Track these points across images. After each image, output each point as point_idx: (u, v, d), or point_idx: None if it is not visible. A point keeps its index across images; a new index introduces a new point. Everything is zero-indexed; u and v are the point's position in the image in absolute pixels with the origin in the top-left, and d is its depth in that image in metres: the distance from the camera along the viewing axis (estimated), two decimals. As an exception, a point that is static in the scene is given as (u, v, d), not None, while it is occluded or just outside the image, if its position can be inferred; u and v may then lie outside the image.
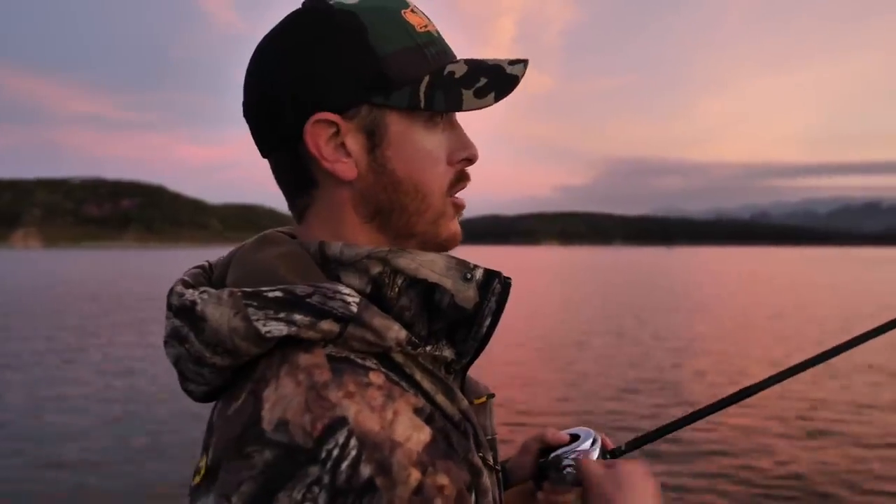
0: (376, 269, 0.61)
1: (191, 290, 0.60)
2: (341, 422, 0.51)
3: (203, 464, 0.57)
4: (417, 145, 0.64)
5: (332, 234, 0.65)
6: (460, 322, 0.63)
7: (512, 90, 0.64)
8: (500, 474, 0.73)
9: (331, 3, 0.64)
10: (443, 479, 0.52)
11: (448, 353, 0.64)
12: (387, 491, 0.49)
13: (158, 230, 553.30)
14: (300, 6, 0.66)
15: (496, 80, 0.64)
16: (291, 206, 0.68)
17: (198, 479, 0.56)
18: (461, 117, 0.70)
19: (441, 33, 0.68)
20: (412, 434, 0.53)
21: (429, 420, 0.56)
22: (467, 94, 0.63)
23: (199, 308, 0.58)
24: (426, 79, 0.63)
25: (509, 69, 0.65)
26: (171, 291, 0.62)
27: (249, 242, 0.68)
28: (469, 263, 0.64)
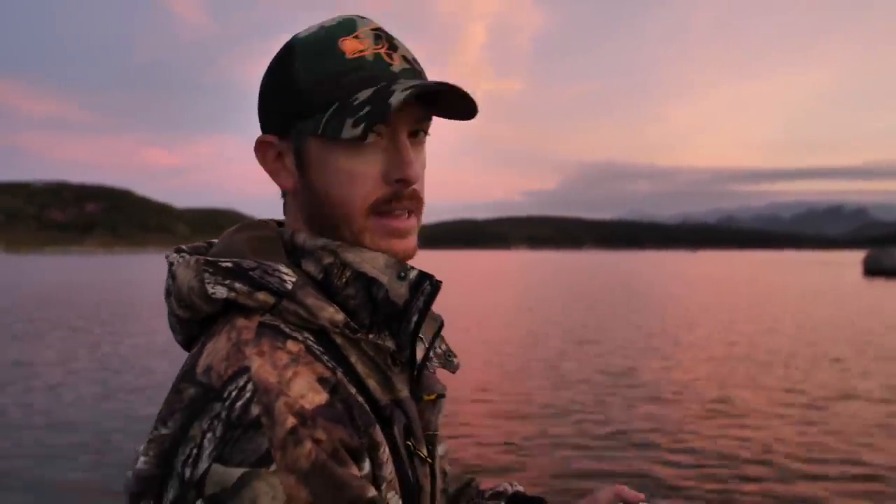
0: (327, 260, 0.70)
1: (174, 254, 0.73)
2: (245, 370, 0.60)
3: None
4: (336, 167, 0.70)
5: (299, 228, 0.76)
6: (393, 316, 0.70)
7: (386, 117, 0.66)
8: (434, 467, 0.79)
9: (293, 38, 0.74)
10: (320, 434, 0.58)
11: (390, 343, 0.71)
12: (268, 429, 0.57)
13: (124, 235, 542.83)
14: None
15: (372, 111, 0.66)
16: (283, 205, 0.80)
17: None
18: (435, 137, 0.75)
19: (398, 53, 0.71)
20: (306, 393, 0.60)
21: (332, 390, 0.62)
22: (348, 123, 0.67)
23: (173, 268, 0.71)
24: (333, 107, 0.68)
25: (394, 98, 0.66)
26: (167, 255, 0.74)
27: (237, 226, 0.77)
28: (406, 264, 0.71)
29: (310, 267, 0.71)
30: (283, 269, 0.68)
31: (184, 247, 0.76)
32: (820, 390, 8.85)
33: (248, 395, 0.59)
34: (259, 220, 0.78)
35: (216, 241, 0.77)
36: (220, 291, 0.66)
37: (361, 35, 0.71)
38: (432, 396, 0.81)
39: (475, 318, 17.80)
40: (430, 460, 0.77)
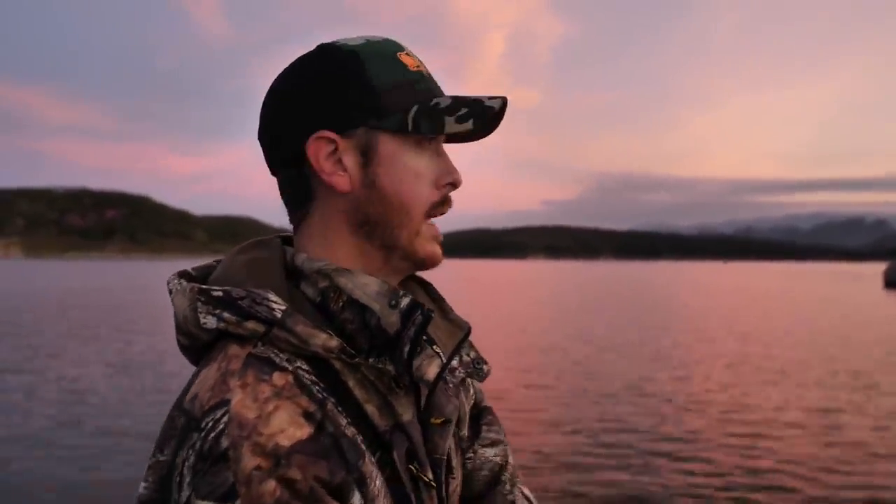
0: (323, 284, 0.71)
1: (175, 280, 0.72)
2: (224, 403, 0.60)
3: None
4: (405, 165, 0.73)
5: (323, 242, 0.74)
6: (386, 344, 0.70)
7: (489, 118, 0.73)
8: (441, 490, 0.77)
9: (338, 44, 0.74)
10: (293, 472, 0.58)
11: (391, 367, 0.70)
12: (234, 464, 0.57)
13: (143, 241, 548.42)
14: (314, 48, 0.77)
15: (475, 109, 0.72)
16: (291, 218, 0.77)
17: None
18: (451, 148, 0.80)
19: (431, 74, 0.78)
20: (286, 428, 0.60)
21: (318, 426, 0.62)
22: (449, 120, 0.71)
23: (171, 295, 0.71)
24: (415, 108, 0.72)
25: (488, 102, 0.73)
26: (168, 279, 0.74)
27: (241, 245, 0.76)
28: (399, 292, 0.71)
29: (308, 290, 0.71)
30: (272, 297, 0.67)
31: (190, 269, 0.76)
32: (837, 402, 8.69)
33: (221, 426, 0.59)
34: (264, 239, 0.77)
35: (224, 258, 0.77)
36: (211, 321, 0.67)
37: (409, 53, 0.76)
38: (439, 420, 0.79)
39: (492, 329, 17.68)
40: (434, 485, 0.75)
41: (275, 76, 0.76)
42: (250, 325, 0.66)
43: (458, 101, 0.73)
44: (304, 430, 0.60)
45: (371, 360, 0.70)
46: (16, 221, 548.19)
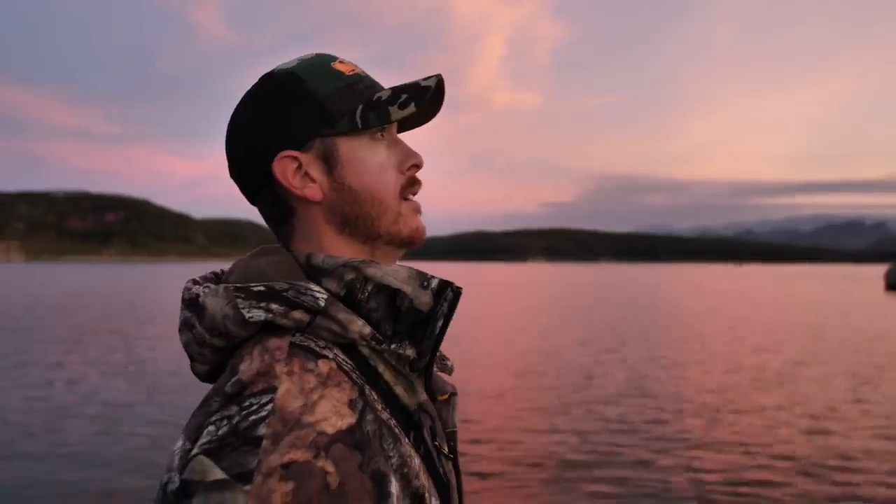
0: (350, 276, 0.73)
1: (197, 286, 0.75)
2: (272, 390, 0.62)
3: None
4: (365, 160, 0.78)
5: (315, 248, 0.79)
6: (418, 324, 0.74)
7: (427, 97, 0.78)
8: (456, 462, 0.84)
9: (276, 70, 0.81)
10: (329, 466, 0.58)
11: (410, 352, 0.74)
12: (264, 453, 0.57)
13: (142, 244, 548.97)
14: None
15: (413, 92, 0.78)
16: (279, 237, 0.82)
17: None
18: (411, 135, 0.86)
19: (368, 74, 0.83)
20: (330, 417, 0.61)
21: (361, 412, 0.64)
22: (393, 109, 0.77)
23: (201, 299, 0.72)
24: (360, 107, 0.78)
25: (423, 82, 0.79)
26: (184, 289, 0.76)
27: (250, 253, 0.80)
28: (427, 274, 0.75)
29: (331, 285, 0.74)
30: (315, 287, 0.71)
31: (197, 279, 0.78)
32: (837, 404, 8.63)
33: (264, 413, 0.60)
34: (270, 246, 0.81)
35: (226, 269, 0.80)
36: (258, 314, 0.69)
37: (342, 60, 0.82)
38: (445, 396, 0.86)
39: (492, 335, 17.58)
40: (451, 456, 0.82)
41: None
42: (297, 314, 0.69)
43: (398, 90, 0.79)
44: (345, 420, 0.62)
45: (393, 346, 0.74)
46: (16, 225, 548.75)
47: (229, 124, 0.82)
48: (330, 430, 0.60)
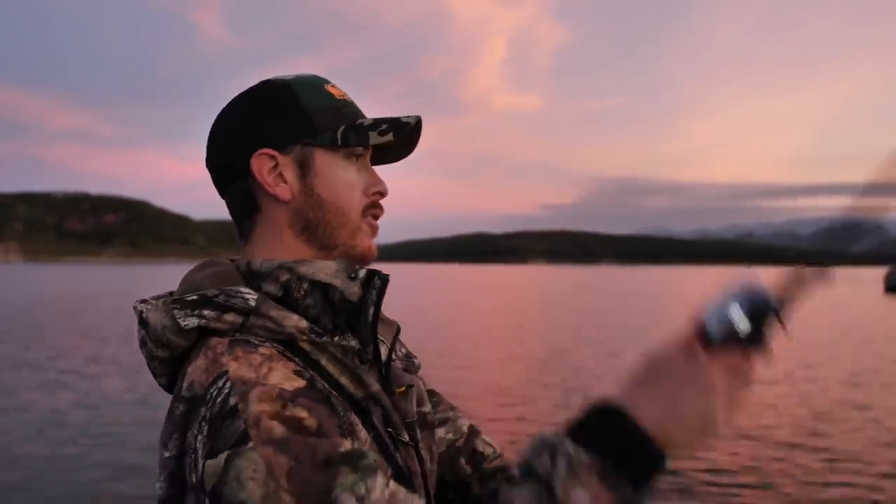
0: (285, 277, 0.79)
1: (141, 304, 0.79)
2: (223, 374, 0.67)
3: None
4: (337, 175, 0.84)
5: (268, 248, 0.84)
6: (352, 314, 0.80)
7: (406, 131, 0.86)
8: (418, 450, 0.86)
9: (275, 79, 0.87)
10: (301, 412, 0.64)
11: (354, 342, 0.79)
12: (243, 412, 0.63)
13: (142, 246, 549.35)
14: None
15: (393, 124, 0.85)
16: (240, 231, 0.87)
17: None
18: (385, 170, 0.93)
19: (354, 102, 0.90)
20: (284, 381, 0.67)
21: (310, 380, 0.70)
22: (372, 134, 0.84)
23: (143, 315, 0.77)
24: (342, 126, 0.84)
25: (404, 119, 0.86)
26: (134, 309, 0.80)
27: (195, 266, 0.85)
28: (354, 266, 0.82)
29: (269, 287, 0.78)
30: (244, 290, 0.76)
31: (147, 298, 0.81)
32: (836, 405, 8.56)
33: (226, 391, 0.65)
34: (216, 258, 0.85)
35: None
36: (191, 321, 0.73)
37: (334, 85, 0.89)
38: (402, 388, 0.89)
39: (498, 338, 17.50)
40: (411, 444, 0.84)
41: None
42: (229, 317, 0.73)
43: (379, 120, 0.86)
44: (299, 381, 0.67)
45: (336, 338, 0.78)
46: (14, 226, 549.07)
47: (220, 115, 0.87)
48: (289, 387, 0.66)
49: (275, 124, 0.83)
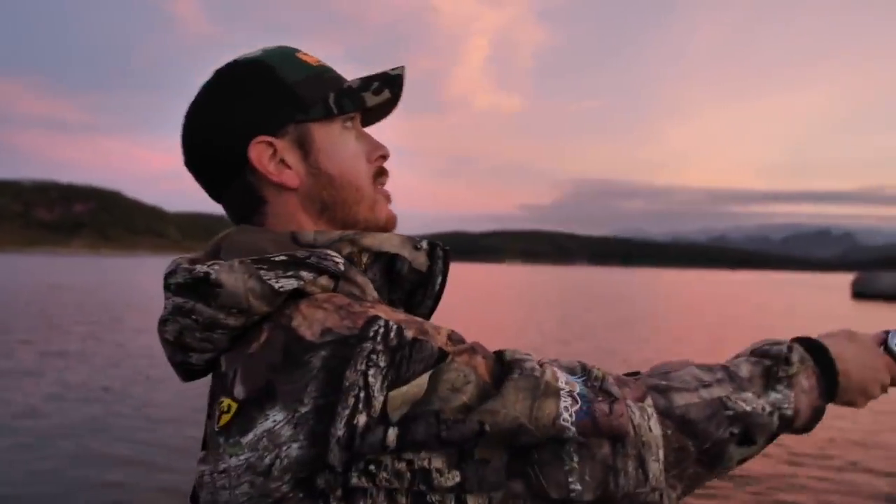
0: (347, 250, 0.73)
1: (199, 265, 0.68)
2: (377, 318, 0.64)
3: (227, 403, 0.65)
4: (340, 146, 0.79)
5: None
6: (417, 285, 0.78)
7: (400, 85, 0.80)
8: None
9: (243, 58, 0.80)
10: (465, 338, 0.68)
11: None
12: (431, 338, 0.64)
13: (113, 237, 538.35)
14: (216, 70, 0.80)
15: (385, 80, 0.80)
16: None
17: (227, 417, 0.64)
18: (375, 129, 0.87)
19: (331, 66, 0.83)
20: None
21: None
22: (367, 95, 0.78)
23: (213, 277, 0.66)
24: (332, 94, 0.78)
25: (392, 72, 0.81)
26: (174, 272, 0.70)
27: (233, 231, 0.76)
28: (416, 237, 0.78)
29: None
30: (332, 252, 0.70)
31: (191, 256, 0.75)
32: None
33: (395, 327, 0.63)
34: (250, 227, 0.77)
35: (202, 254, 0.75)
36: (288, 283, 0.66)
37: (306, 53, 0.82)
38: None
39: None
40: None
41: None
42: (323, 280, 0.68)
43: (368, 79, 0.80)
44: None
45: None
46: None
47: (191, 113, 0.79)
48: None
49: (261, 107, 0.76)
